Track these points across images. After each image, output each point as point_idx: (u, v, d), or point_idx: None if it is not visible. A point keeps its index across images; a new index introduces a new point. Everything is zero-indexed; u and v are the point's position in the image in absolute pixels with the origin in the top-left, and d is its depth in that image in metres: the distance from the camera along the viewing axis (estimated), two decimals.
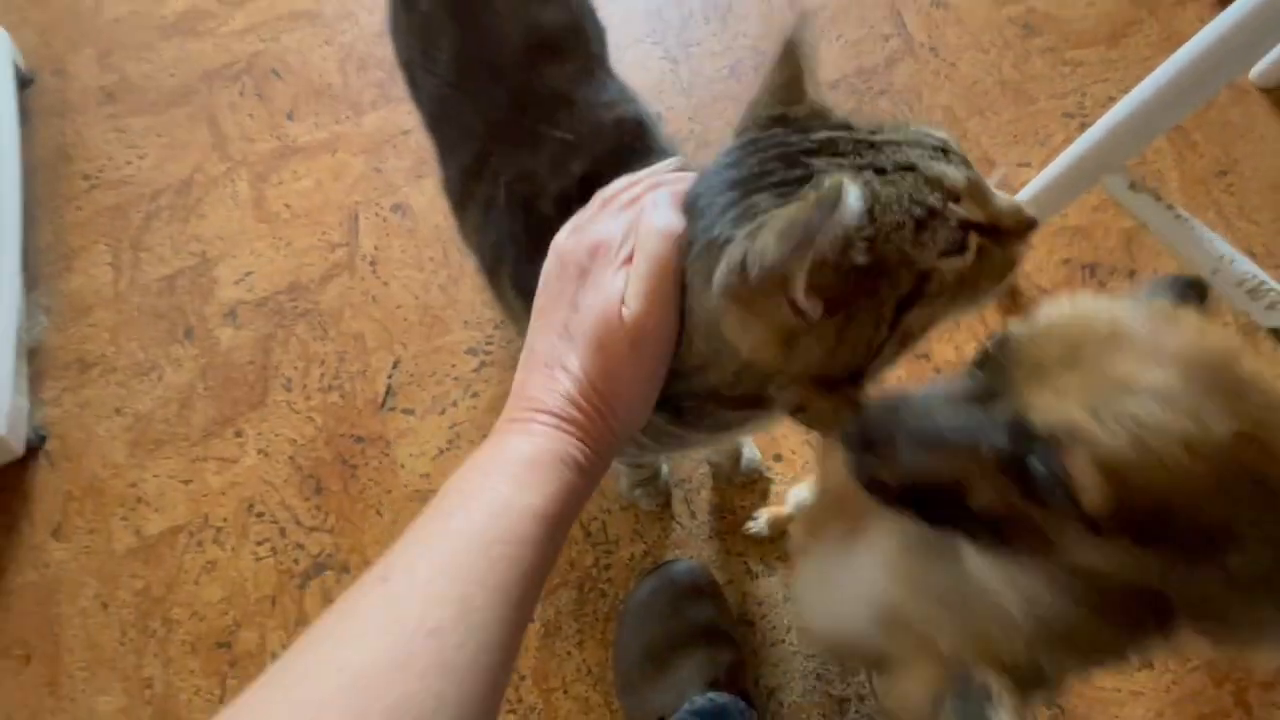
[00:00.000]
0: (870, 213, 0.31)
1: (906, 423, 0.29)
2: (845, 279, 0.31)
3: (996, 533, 0.28)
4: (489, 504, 0.32)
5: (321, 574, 0.89)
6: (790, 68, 0.37)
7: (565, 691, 0.80)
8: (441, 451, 0.94)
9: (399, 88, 1.18)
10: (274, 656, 0.84)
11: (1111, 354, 0.24)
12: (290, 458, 0.95)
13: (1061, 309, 0.28)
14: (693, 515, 0.89)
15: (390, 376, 0.99)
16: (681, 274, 0.36)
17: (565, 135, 0.47)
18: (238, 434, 0.97)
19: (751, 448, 0.87)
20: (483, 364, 0.99)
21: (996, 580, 0.30)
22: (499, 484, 0.33)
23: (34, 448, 0.97)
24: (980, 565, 0.31)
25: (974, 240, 0.33)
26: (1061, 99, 1.10)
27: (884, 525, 0.38)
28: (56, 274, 1.09)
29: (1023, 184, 0.90)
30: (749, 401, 0.40)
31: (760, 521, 0.84)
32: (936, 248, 0.32)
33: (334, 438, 0.96)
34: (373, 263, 1.06)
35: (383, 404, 0.97)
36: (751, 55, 1.17)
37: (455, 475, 0.36)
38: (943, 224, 0.32)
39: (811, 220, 0.29)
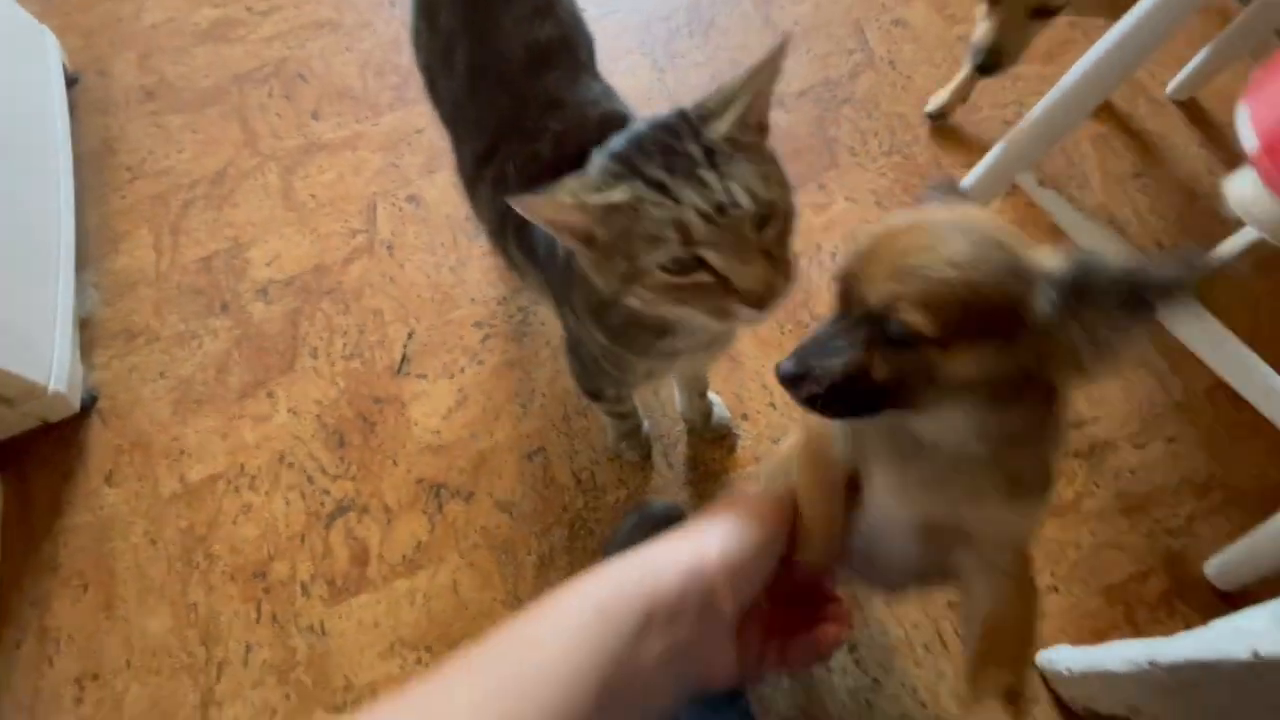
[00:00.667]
0: (621, 205, 0.45)
1: (813, 352, 0.40)
2: (591, 240, 0.47)
3: (905, 392, 0.37)
4: None
5: (344, 515, 1.01)
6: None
7: None
8: (450, 411, 1.07)
9: (413, 91, 1.33)
10: (303, 586, 0.97)
11: (898, 241, 0.37)
12: (317, 416, 1.08)
13: (867, 229, 0.39)
14: (670, 466, 1.02)
15: (405, 346, 1.11)
16: None
17: (559, 128, 0.60)
18: (269, 395, 1.10)
19: (721, 407, 1.01)
20: (488, 335, 1.11)
21: (943, 430, 0.40)
22: None
23: (87, 407, 1.10)
24: (928, 429, 0.40)
25: (703, 276, 0.45)
26: (1002, 108, 1.24)
27: (869, 473, 0.47)
28: (104, 255, 1.22)
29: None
30: (656, 328, 0.54)
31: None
32: (657, 259, 0.45)
33: (355, 398, 1.08)
34: (390, 247, 1.19)
35: (398, 370, 1.10)
36: (731, 66, 1.31)
37: None
38: (676, 248, 0.45)
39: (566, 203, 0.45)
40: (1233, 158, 1.16)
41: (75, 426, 1.09)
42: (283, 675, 0.93)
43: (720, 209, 0.44)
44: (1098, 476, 0.96)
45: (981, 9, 0.89)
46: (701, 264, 0.45)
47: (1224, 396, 0.99)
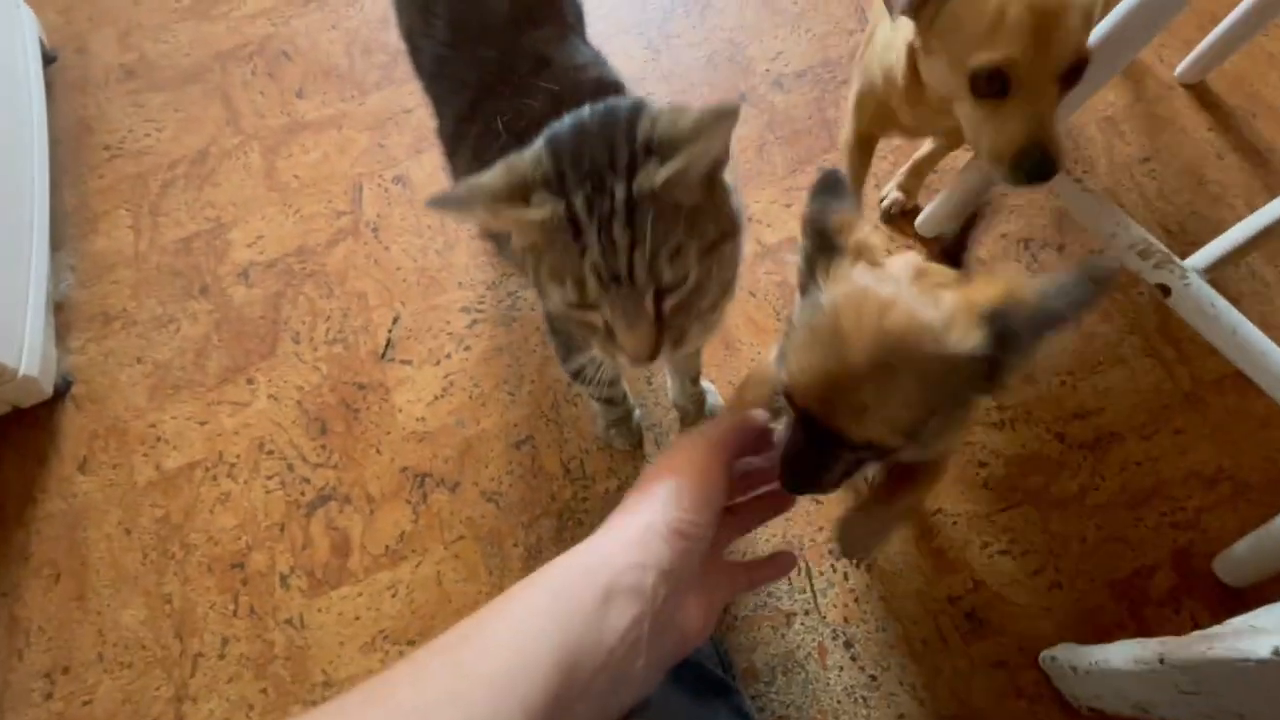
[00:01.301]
0: (538, 222, 0.43)
1: (806, 473, 0.45)
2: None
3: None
4: None
5: (325, 505, 0.98)
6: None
7: None
8: (436, 398, 1.03)
9: (401, 70, 1.29)
10: (282, 578, 0.94)
11: (853, 387, 0.40)
12: (298, 402, 1.04)
13: (806, 358, 0.43)
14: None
15: (390, 331, 1.08)
16: None
17: (553, 87, 0.57)
18: (249, 381, 1.06)
19: (714, 395, 0.98)
20: (475, 321, 1.08)
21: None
22: None
23: (61, 392, 1.06)
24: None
25: (595, 317, 0.45)
26: None
27: None
28: (81, 236, 1.18)
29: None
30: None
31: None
32: (555, 293, 0.45)
33: (338, 385, 1.05)
34: (375, 229, 1.16)
35: (383, 355, 1.07)
36: (727, 46, 1.28)
37: None
38: (571, 295, 0.44)
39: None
40: (1242, 142, 1.13)
41: (48, 412, 1.05)
42: (260, 669, 0.90)
43: (616, 279, 0.43)
44: (1103, 469, 0.94)
45: (973, 112, 0.64)
46: (597, 307, 0.45)
47: (1233, 386, 0.96)
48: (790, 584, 0.90)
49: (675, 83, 1.24)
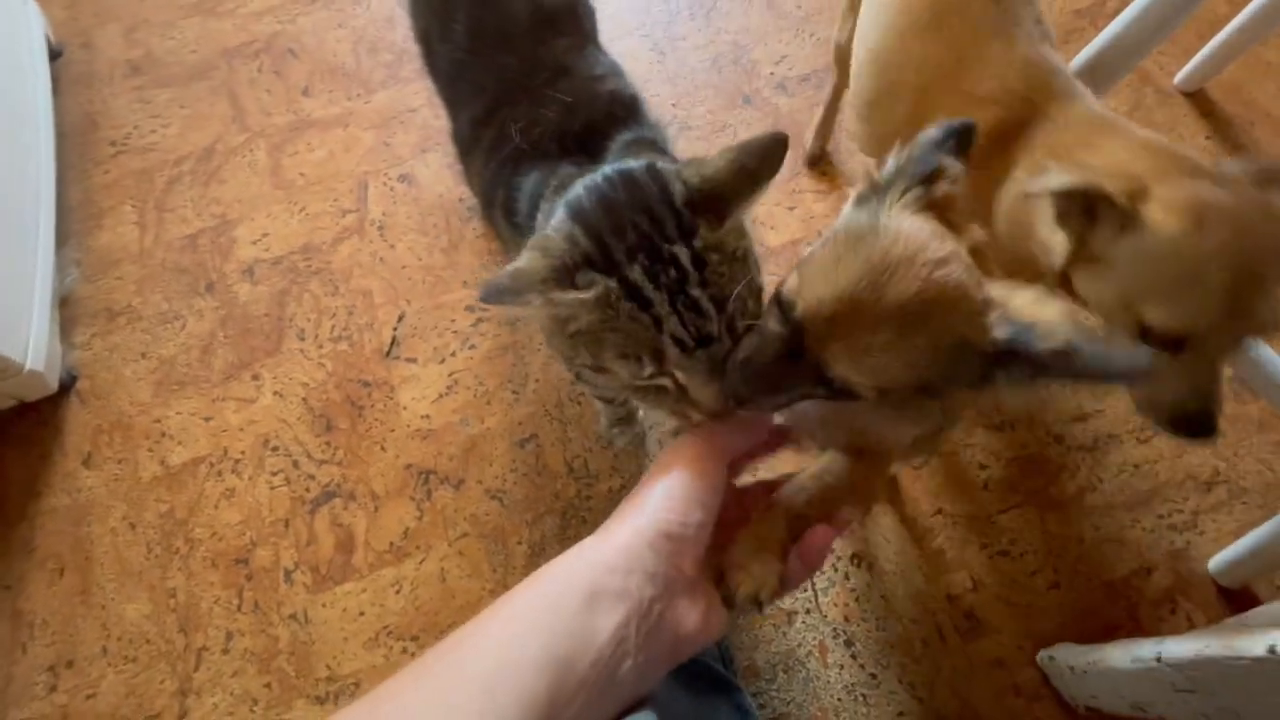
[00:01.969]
0: (592, 303, 0.41)
1: (760, 382, 0.42)
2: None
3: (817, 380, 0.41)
4: None
5: (330, 501, 0.99)
6: None
7: None
8: (441, 396, 1.04)
9: (407, 69, 1.29)
10: (286, 573, 0.95)
11: (860, 319, 0.37)
12: (303, 399, 1.05)
13: (822, 272, 0.39)
14: None
15: (395, 329, 1.09)
16: None
17: (565, 98, 0.57)
18: (255, 377, 1.07)
19: None
20: (480, 319, 1.09)
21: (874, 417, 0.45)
22: None
23: (66, 387, 1.06)
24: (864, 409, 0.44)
25: (665, 381, 0.43)
26: None
27: None
28: (86, 231, 1.18)
29: None
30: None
31: None
32: (624, 371, 0.43)
33: (343, 382, 1.06)
34: (381, 227, 1.16)
35: (388, 353, 1.07)
36: (731, 49, 1.29)
37: None
38: (650, 369, 0.43)
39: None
40: (1240, 149, 1.14)
41: (53, 406, 1.05)
42: (264, 664, 0.91)
43: (703, 339, 0.41)
44: (1101, 471, 0.95)
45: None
46: (669, 374, 0.43)
47: (1229, 391, 0.97)
48: None
49: (680, 85, 1.25)
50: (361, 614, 0.92)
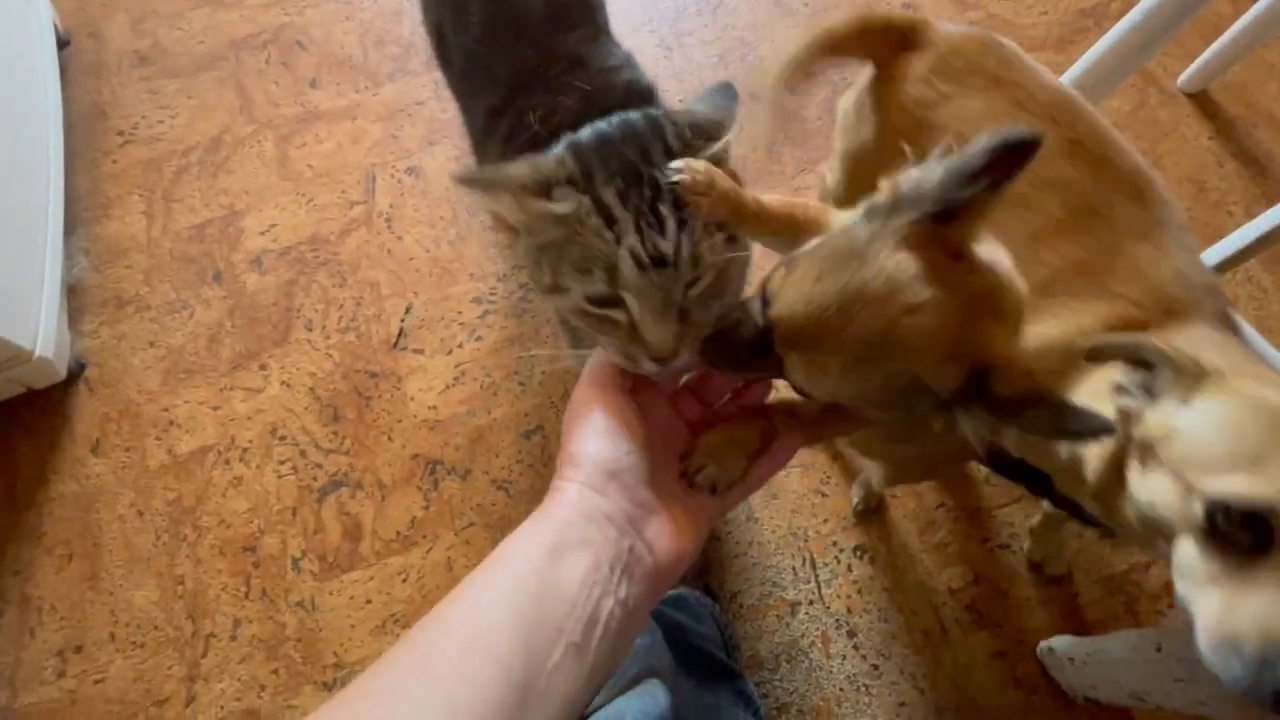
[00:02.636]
0: (562, 217, 0.43)
1: (732, 358, 0.44)
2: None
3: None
4: None
5: (337, 490, 0.99)
6: None
7: None
8: (448, 387, 1.05)
9: (415, 62, 1.30)
10: (293, 561, 0.95)
11: (831, 341, 0.39)
12: (310, 389, 1.05)
13: (803, 284, 0.40)
14: None
15: (403, 320, 1.09)
16: None
17: (586, 87, 0.58)
18: (262, 367, 1.07)
19: None
20: (486, 311, 1.09)
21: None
22: None
23: (74, 375, 1.07)
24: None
25: (619, 314, 0.44)
26: None
27: None
28: (94, 220, 1.19)
29: None
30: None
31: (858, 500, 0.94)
32: (580, 288, 0.44)
33: (350, 372, 1.06)
34: (388, 219, 1.17)
35: (395, 344, 1.08)
36: (739, 46, 1.29)
37: None
38: (601, 286, 0.43)
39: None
40: (1242, 150, 1.15)
41: (61, 394, 1.06)
42: (272, 651, 0.91)
43: (659, 261, 0.41)
44: None
45: (1198, 563, 0.42)
46: (620, 303, 0.43)
47: None
48: (795, 574, 0.92)
49: (687, 80, 1.26)
50: (368, 602, 0.93)
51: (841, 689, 0.86)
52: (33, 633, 0.93)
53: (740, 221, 0.46)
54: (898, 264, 0.37)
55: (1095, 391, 0.50)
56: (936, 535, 0.93)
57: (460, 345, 1.07)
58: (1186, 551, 0.42)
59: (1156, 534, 0.45)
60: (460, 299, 1.10)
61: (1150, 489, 0.45)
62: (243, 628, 0.93)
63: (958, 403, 0.38)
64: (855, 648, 0.88)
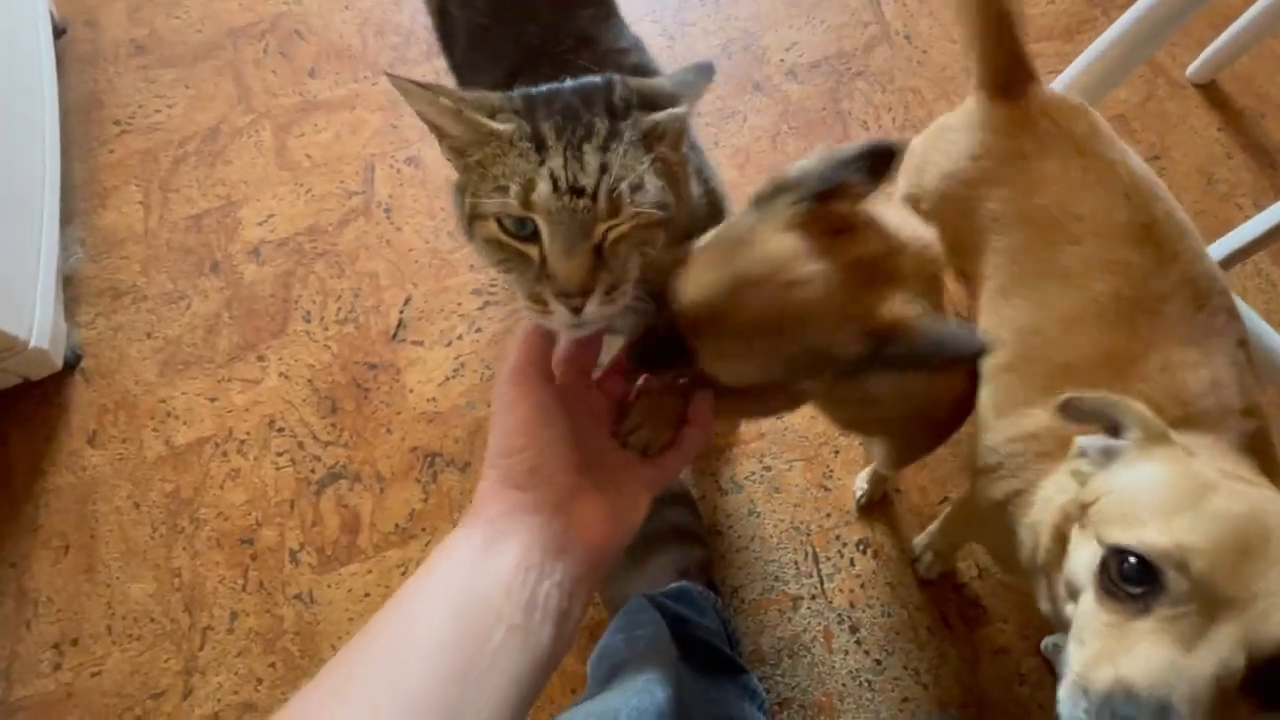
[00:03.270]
0: (494, 135, 0.43)
1: (653, 358, 0.46)
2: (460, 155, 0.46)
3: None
4: None
5: (336, 482, 0.99)
6: None
7: None
8: (447, 379, 1.04)
9: (414, 51, 1.28)
10: (291, 553, 0.94)
11: (731, 325, 0.41)
12: (309, 380, 1.05)
13: (710, 271, 0.43)
14: None
15: (402, 311, 1.08)
16: None
17: (591, 66, 0.57)
18: (260, 358, 1.06)
19: None
20: (486, 303, 1.08)
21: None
22: None
23: (70, 365, 1.06)
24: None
25: (531, 249, 0.43)
26: None
27: None
28: (90, 210, 1.18)
29: None
30: None
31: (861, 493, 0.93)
32: (494, 205, 0.43)
33: (349, 364, 1.05)
34: (387, 210, 1.16)
35: (394, 336, 1.07)
36: (741, 36, 1.28)
37: None
38: (513, 203, 0.43)
39: None
40: (1251, 142, 1.14)
41: (58, 385, 1.05)
42: (269, 644, 0.91)
43: (575, 190, 0.41)
44: None
45: None
46: (535, 237, 0.43)
47: None
48: (797, 569, 0.91)
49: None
50: (367, 595, 0.92)
51: (844, 685, 0.85)
52: (29, 625, 0.93)
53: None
54: (780, 244, 0.41)
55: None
56: None
57: (460, 337, 1.06)
58: (1085, 604, 0.42)
59: (1069, 599, 0.44)
60: (460, 290, 1.09)
61: (1075, 552, 0.44)
62: (240, 620, 0.92)
63: (864, 366, 0.41)
64: (858, 643, 0.87)
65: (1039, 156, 0.61)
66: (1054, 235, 0.60)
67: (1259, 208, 0.98)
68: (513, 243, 0.43)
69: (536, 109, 0.43)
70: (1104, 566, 0.40)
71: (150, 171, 1.21)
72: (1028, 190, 0.61)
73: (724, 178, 0.67)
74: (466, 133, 0.43)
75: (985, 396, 0.63)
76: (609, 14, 0.66)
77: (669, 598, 0.77)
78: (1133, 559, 0.39)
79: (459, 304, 1.08)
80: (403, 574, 0.93)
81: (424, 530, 0.95)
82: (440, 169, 1.18)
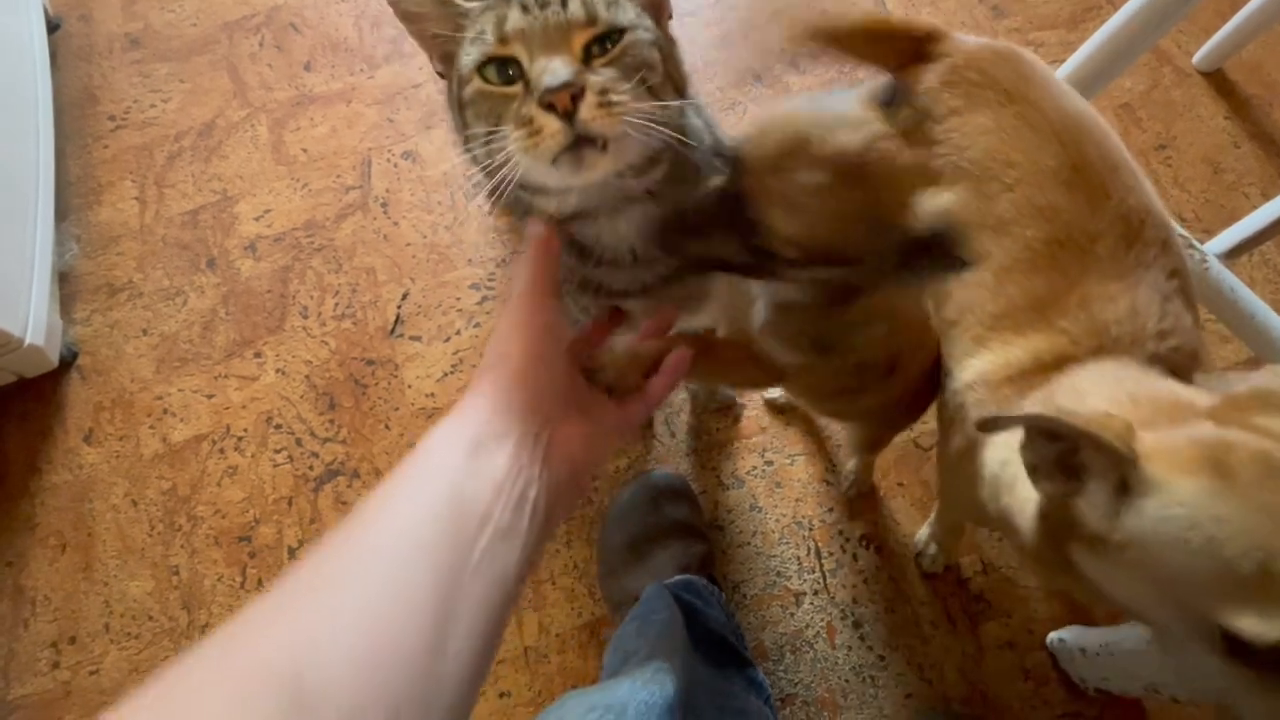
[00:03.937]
0: (468, 11, 0.45)
1: (694, 236, 0.48)
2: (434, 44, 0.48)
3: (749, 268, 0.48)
4: None
5: (334, 479, 0.98)
6: None
7: (553, 583, 0.90)
8: (446, 374, 1.03)
9: (411, 45, 1.26)
10: (290, 551, 0.94)
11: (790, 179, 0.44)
12: (306, 377, 1.04)
13: (761, 119, 0.45)
14: (672, 435, 0.98)
15: (399, 307, 1.07)
16: None
17: None
18: (257, 355, 1.06)
19: None
20: (485, 298, 1.07)
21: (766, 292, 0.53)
22: None
23: (66, 363, 1.05)
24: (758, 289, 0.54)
25: (515, 89, 0.43)
26: None
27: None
28: (86, 206, 1.17)
29: None
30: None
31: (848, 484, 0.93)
32: (473, 56, 0.45)
33: (347, 360, 1.04)
34: (384, 204, 1.15)
35: (392, 331, 1.06)
36: (742, 26, 1.26)
37: None
38: (489, 42, 0.45)
39: None
40: (1259, 130, 1.12)
41: (53, 382, 1.04)
42: None
43: (543, 3, 0.42)
44: None
45: (1234, 673, 0.39)
46: (520, 77, 0.43)
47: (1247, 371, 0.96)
48: (799, 564, 0.90)
49: (689, 61, 1.22)
50: None
51: (847, 680, 0.85)
52: (26, 624, 0.92)
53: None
54: (870, 115, 0.44)
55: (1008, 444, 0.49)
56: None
57: (458, 332, 1.05)
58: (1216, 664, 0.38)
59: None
60: (458, 284, 1.08)
61: (1119, 585, 0.42)
62: None
63: (903, 259, 0.43)
64: (861, 638, 0.86)
65: (969, 111, 0.60)
66: (988, 187, 0.58)
67: (1267, 197, 0.97)
68: (500, 88, 0.43)
69: None
70: (1228, 641, 0.36)
71: (145, 167, 1.20)
72: (961, 146, 0.60)
73: None
74: (447, 20, 0.45)
75: (943, 351, 0.64)
76: None
77: (678, 587, 0.77)
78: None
79: (457, 299, 1.07)
80: None
81: None
82: (437, 162, 1.17)
